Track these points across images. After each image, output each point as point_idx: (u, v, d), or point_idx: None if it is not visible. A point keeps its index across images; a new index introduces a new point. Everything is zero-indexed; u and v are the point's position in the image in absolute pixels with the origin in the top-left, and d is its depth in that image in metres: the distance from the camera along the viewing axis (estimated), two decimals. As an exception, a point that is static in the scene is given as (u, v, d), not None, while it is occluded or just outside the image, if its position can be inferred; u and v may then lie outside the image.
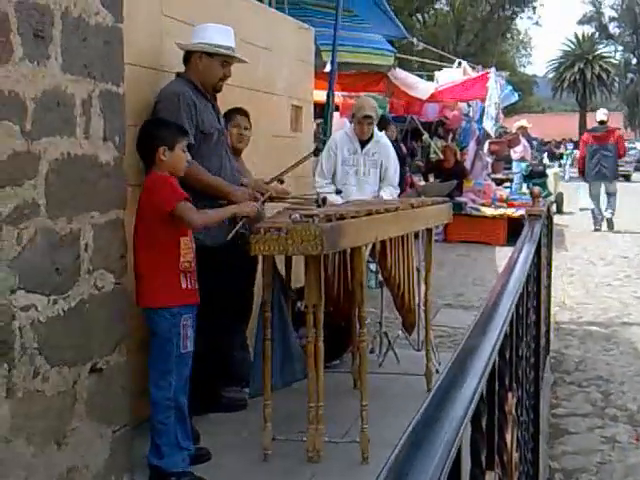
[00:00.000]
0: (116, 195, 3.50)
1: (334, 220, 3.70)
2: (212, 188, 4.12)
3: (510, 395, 1.90)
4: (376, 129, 6.49)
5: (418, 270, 5.49)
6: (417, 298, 5.29)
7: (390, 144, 6.67)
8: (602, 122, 14.97)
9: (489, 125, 12.98)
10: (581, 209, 17.06)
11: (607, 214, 14.81)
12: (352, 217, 3.92)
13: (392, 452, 0.91)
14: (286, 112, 6.26)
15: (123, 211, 3.55)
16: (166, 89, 4.15)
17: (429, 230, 5.18)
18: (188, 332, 3.68)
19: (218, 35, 4.24)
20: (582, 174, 15.32)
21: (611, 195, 14.82)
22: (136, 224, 3.71)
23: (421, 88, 12.84)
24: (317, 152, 5.68)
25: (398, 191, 6.61)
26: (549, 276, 6.00)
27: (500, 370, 1.71)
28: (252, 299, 4.84)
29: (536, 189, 5.41)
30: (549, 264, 5.83)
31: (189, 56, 4.28)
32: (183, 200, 3.63)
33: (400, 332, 5.94)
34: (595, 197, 14.87)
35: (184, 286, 3.68)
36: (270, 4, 6.95)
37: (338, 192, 5.82)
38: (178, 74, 4.27)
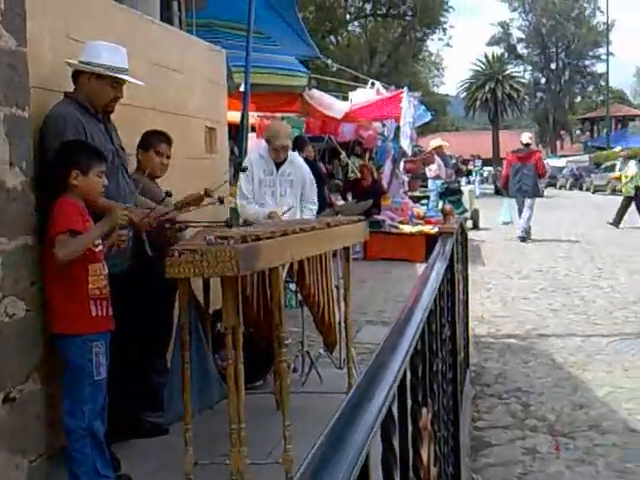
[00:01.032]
0: (24, 221, 3.42)
1: (250, 241, 3.69)
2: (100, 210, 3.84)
3: (425, 410, 1.91)
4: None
5: (337, 288, 5.51)
6: (337, 316, 5.29)
7: (304, 163, 6.74)
8: (527, 145, 16.48)
9: (405, 143, 13.17)
10: (504, 223, 18.25)
11: (523, 225, 16.11)
12: (268, 238, 3.91)
13: (295, 474, 0.89)
14: (200, 134, 6.22)
15: (32, 237, 3.46)
16: (52, 111, 3.90)
17: (346, 248, 5.21)
18: (101, 359, 3.60)
19: (108, 55, 4.05)
20: (505, 189, 16.88)
21: (529, 209, 15.98)
22: (44, 250, 3.61)
23: (336, 108, 12.93)
24: (244, 169, 5.74)
25: (316, 207, 6.65)
26: (466, 291, 6.08)
27: (413, 386, 1.72)
28: (171, 323, 4.77)
29: (447, 207, 5.50)
30: (465, 279, 5.92)
31: (78, 75, 4.06)
32: (63, 233, 3.49)
33: (322, 351, 5.94)
34: (519, 211, 16.29)
35: (94, 313, 3.61)
36: (180, 27, 6.91)
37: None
38: (66, 94, 4.04)
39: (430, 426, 2.08)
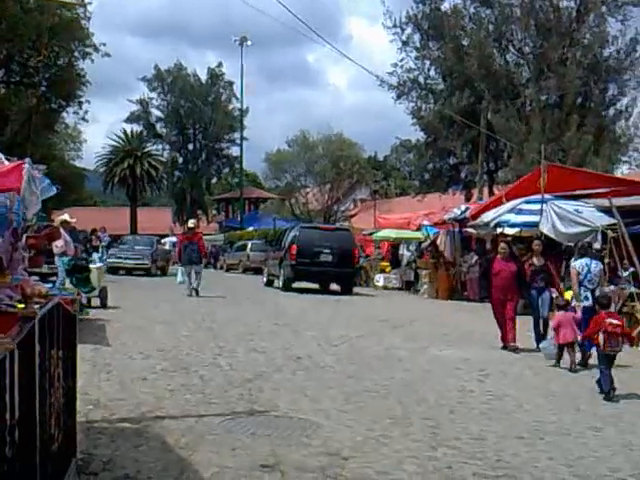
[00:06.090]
0: None
1: None
2: None
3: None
4: None
5: None
6: None
7: None
8: (191, 228, 24.71)
9: (29, 215, 12.56)
10: (179, 282, 24.46)
11: (195, 286, 23.24)
12: None
13: None
14: None
15: None
16: None
17: None
18: None
19: None
20: (179, 260, 24.39)
21: (198, 274, 23.39)
22: None
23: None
24: None
25: None
26: (73, 376, 5.86)
27: None
28: None
29: (28, 290, 5.28)
30: (70, 363, 5.70)
31: None
32: None
33: None
34: (189, 276, 23.47)
35: None
36: None
37: None
38: None
39: None
